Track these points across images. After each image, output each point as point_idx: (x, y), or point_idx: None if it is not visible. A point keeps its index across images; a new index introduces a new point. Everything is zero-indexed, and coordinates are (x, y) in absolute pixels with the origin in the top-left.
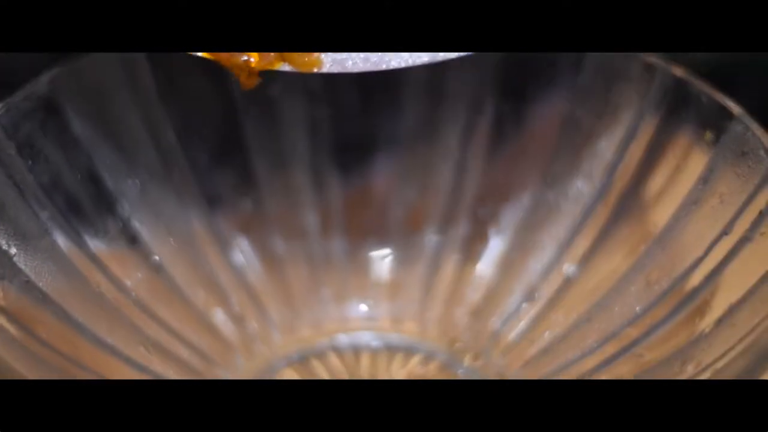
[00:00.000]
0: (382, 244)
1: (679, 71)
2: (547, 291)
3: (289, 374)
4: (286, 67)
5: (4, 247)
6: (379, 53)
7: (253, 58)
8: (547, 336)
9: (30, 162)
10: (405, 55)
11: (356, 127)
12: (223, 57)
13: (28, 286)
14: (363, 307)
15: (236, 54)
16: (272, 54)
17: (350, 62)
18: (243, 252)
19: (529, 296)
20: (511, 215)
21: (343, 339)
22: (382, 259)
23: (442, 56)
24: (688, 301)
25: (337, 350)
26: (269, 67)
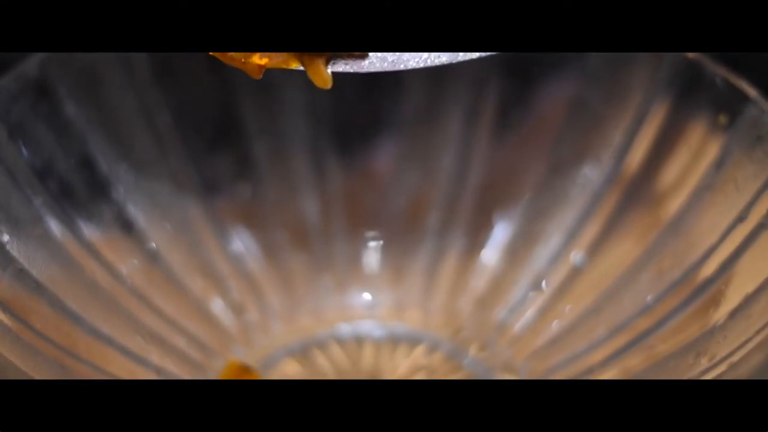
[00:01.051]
0: (384, 230)
1: (691, 52)
2: (554, 280)
3: (290, 364)
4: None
5: None
6: (397, 53)
7: (264, 60)
8: (554, 326)
9: (22, 146)
10: (424, 54)
11: (357, 111)
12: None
13: (22, 275)
14: (365, 296)
15: (245, 54)
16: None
17: (367, 62)
18: (242, 239)
19: (536, 285)
20: (517, 201)
21: (344, 328)
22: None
23: (462, 56)
24: (702, 290)
25: (339, 340)
26: (282, 66)
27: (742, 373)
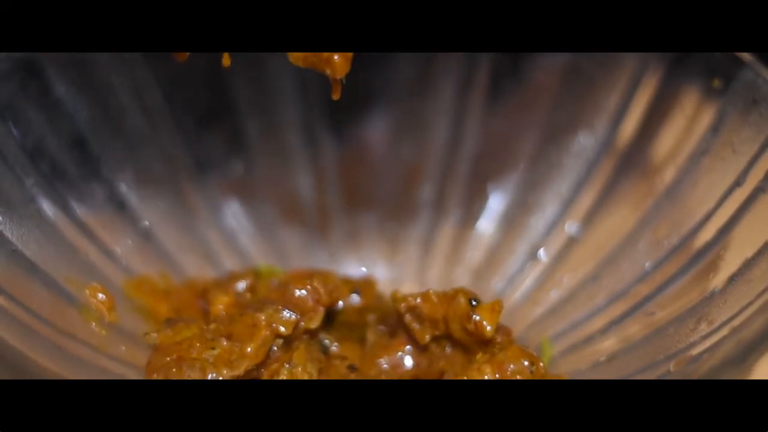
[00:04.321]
0: (378, 203)
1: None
2: (551, 249)
3: None
4: None
5: None
6: None
7: None
8: (552, 296)
9: (12, 126)
10: None
11: (349, 85)
12: None
13: (15, 256)
14: (361, 269)
15: None
16: None
17: None
18: (235, 216)
19: (533, 255)
20: (511, 171)
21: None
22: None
23: None
24: (700, 256)
25: None
26: None
27: (745, 337)
